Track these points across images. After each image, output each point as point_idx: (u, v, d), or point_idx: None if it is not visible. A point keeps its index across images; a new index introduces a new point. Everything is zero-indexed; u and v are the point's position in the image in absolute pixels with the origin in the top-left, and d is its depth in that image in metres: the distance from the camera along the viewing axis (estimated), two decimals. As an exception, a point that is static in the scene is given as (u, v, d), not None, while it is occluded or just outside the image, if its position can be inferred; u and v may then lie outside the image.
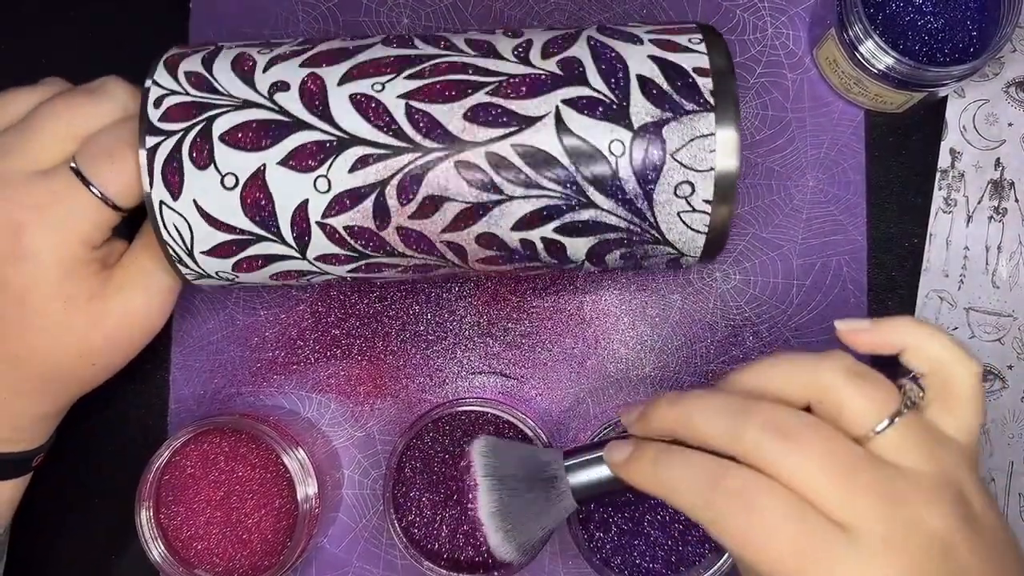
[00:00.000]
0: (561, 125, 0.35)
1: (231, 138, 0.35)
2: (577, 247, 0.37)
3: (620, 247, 0.37)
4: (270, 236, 0.36)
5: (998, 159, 0.47)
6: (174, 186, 0.36)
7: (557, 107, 0.35)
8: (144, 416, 0.48)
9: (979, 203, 0.47)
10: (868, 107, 0.47)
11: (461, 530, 0.43)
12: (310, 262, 0.38)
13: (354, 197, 0.35)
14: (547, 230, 0.36)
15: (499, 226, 0.36)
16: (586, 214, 0.36)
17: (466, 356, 0.48)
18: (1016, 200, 0.47)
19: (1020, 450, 0.46)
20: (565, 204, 0.36)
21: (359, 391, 0.48)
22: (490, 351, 0.48)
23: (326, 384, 0.48)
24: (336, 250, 0.37)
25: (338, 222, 0.36)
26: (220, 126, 0.35)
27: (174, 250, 0.37)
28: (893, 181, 0.48)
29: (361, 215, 0.36)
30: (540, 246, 0.37)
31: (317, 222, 0.36)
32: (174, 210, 0.36)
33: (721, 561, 0.41)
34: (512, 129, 0.35)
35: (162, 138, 0.36)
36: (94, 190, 0.36)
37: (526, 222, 0.36)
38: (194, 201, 0.36)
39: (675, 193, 0.35)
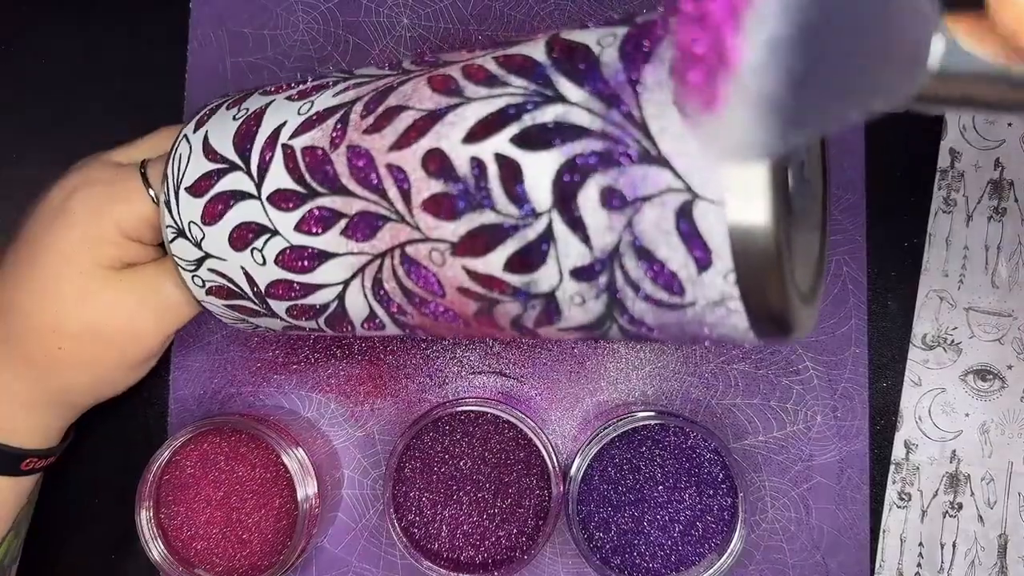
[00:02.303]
0: (554, 37, 0.30)
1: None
2: (538, 173, 0.28)
3: (596, 171, 0.27)
4: (241, 165, 0.34)
5: (998, 159, 0.47)
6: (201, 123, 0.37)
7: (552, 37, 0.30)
8: (144, 416, 0.48)
9: (979, 203, 0.47)
10: (868, 107, 0.47)
11: (461, 530, 0.43)
12: (263, 203, 0.34)
13: (326, 115, 0.33)
14: (502, 140, 0.28)
15: (449, 137, 0.29)
16: (551, 112, 0.28)
17: (466, 356, 0.48)
18: (1016, 200, 0.47)
19: (1020, 450, 0.46)
20: (528, 100, 0.28)
21: (359, 391, 0.48)
22: (490, 351, 0.48)
23: (326, 384, 0.48)
24: (288, 183, 0.33)
25: (299, 142, 0.33)
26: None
27: (169, 187, 0.36)
28: (893, 181, 0.48)
29: (321, 133, 0.33)
30: (492, 171, 0.29)
31: (283, 144, 0.33)
32: (186, 137, 0.37)
33: (721, 561, 0.41)
34: (500, 48, 0.31)
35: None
36: (151, 192, 0.38)
37: (480, 128, 0.29)
38: (205, 134, 0.36)
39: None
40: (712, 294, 0.27)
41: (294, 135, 0.33)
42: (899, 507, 0.46)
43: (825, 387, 0.47)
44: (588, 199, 0.27)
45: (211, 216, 0.35)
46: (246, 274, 0.35)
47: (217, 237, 0.35)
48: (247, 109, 0.36)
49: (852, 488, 0.46)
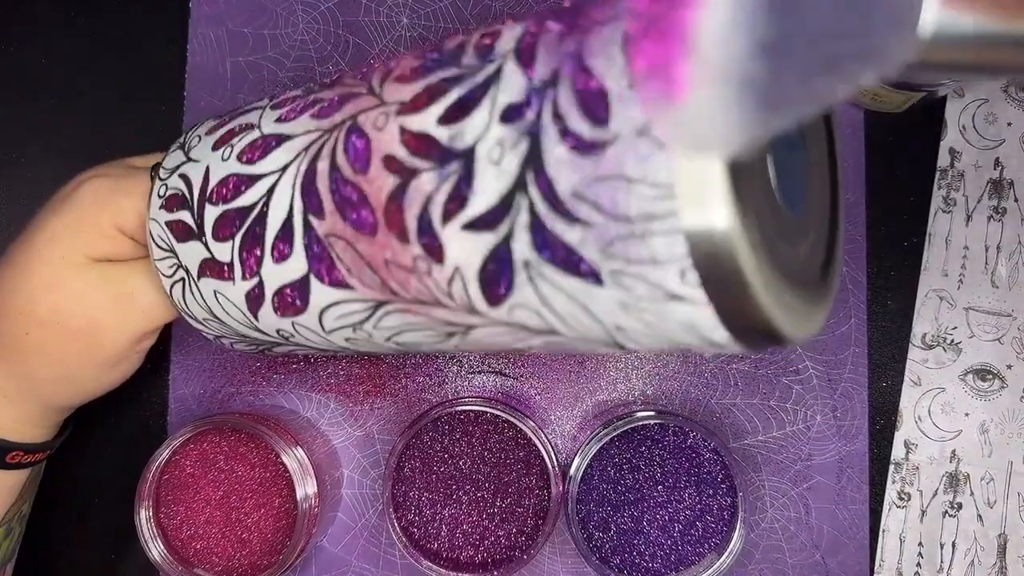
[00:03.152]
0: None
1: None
2: (510, 34, 0.28)
3: (561, 20, 0.27)
4: (262, 105, 0.35)
5: (997, 158, 0.47)
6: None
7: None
8: (144, 415, 0.49)
9: (978, 202, 0.47)
10: (868, 107, 0.47)
11: (460, 529, 0.43)
12: (264, 110, 0.35)
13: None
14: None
15: (456, 37, 0.30)
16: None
17: (465, 355, 0.48)
18: (1015, 199, 0.47)
19: (1019, 450, 0.46)
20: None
21: (358, 390, 0.48)
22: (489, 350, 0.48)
23: (325, 383, 0.48)
24: (296, 92, 0.34)
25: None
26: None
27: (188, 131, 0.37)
28: (893, 181, 0.48)
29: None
30: (472, 42, 0.29)
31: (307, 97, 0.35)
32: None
33: (721, 560, 0.41)
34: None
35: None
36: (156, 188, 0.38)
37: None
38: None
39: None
40: (638, 117, 0.23)
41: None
42: (899, 507, 0.46)
43: (825, 387, 0.47)
44: (548, 31, 0.26)
45: (215, 128, 0.36)
46: (205, 175, 0.35)
47: (207, 142, 0.36)
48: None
49: (852, 488, 0.46)
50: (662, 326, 0.26)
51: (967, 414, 0.47)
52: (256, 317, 0.35)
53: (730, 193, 0.21)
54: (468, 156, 0.27)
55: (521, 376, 0.48)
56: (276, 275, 0.33)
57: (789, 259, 0.26)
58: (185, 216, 0.35)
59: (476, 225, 0.27)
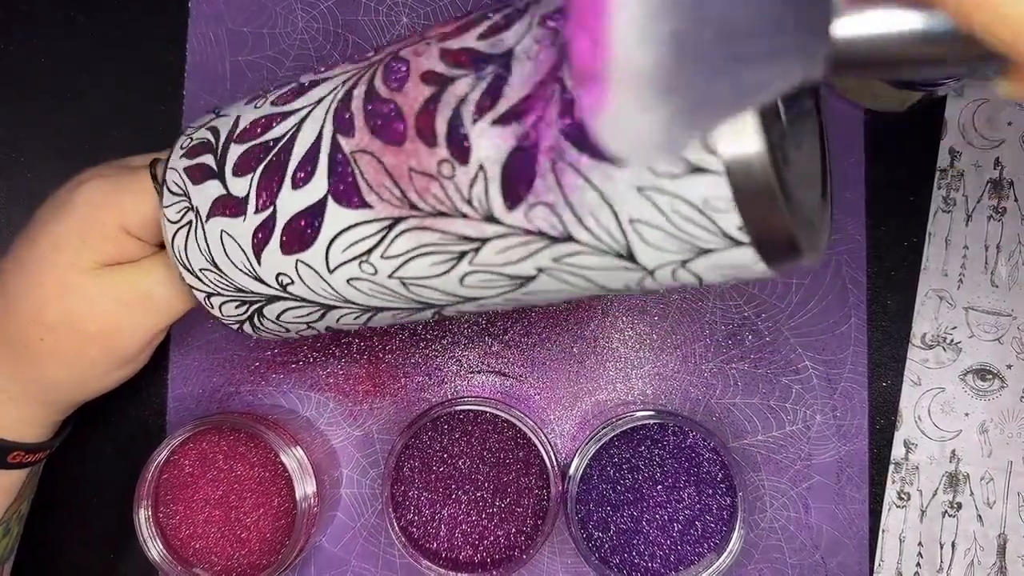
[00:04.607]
0: None
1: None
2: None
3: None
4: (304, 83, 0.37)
5: (997, 158, 0.47)
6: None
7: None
8: (143, 415, 0.49)
9: (978, 202, 0.47)
10: (868, 106, 0.47)
11: (459, 529, 0.43)
12: (304, 81, 0.36)
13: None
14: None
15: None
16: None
17: (464, 355, 0.48)
18: (1015, 199, 0.47)
19: (1019, 450, 0.46)
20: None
21: (358, 390, 0.48)
22: (489, 350, 0.48)
23: (325, 383, 0.48)
24: (346, 60, 0.36)
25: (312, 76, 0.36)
26: None
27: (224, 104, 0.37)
28: (893, 181, 0.48)
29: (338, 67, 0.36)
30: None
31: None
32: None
33: (720, 560, 0.41)
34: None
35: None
36: (157, 187, 0.38)
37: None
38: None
39: None
40: None
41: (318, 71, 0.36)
42: (898, 507, 0.46)
43: (825, 386, 0.47)
44: None
45: (255, 96, 0.37)
46: (235, 121, 0.36)
47: (240, 102, 0.37)
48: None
49: (851, 487, 0.46)
50: (676, 212, 0.27)
51: (967, 414, 0.47)
52: (259, 259, 0.35)
53: (761, 124, 0.24)
54: (506, 55, 0.29)
55: (521, 376, 0.48)
56: (292, 202, 0.33)
57: (798, 194, 0.27)
58: (207, 159, 0.35)
59: (507, 117, 0.29)
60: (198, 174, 0.36)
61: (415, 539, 0.43)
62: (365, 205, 0.32)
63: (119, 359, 0.39)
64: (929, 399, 0.47)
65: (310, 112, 0.33)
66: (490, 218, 0.30)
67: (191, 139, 0.37)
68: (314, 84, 0.34)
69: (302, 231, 0.33)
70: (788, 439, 0.47)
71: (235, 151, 0.35)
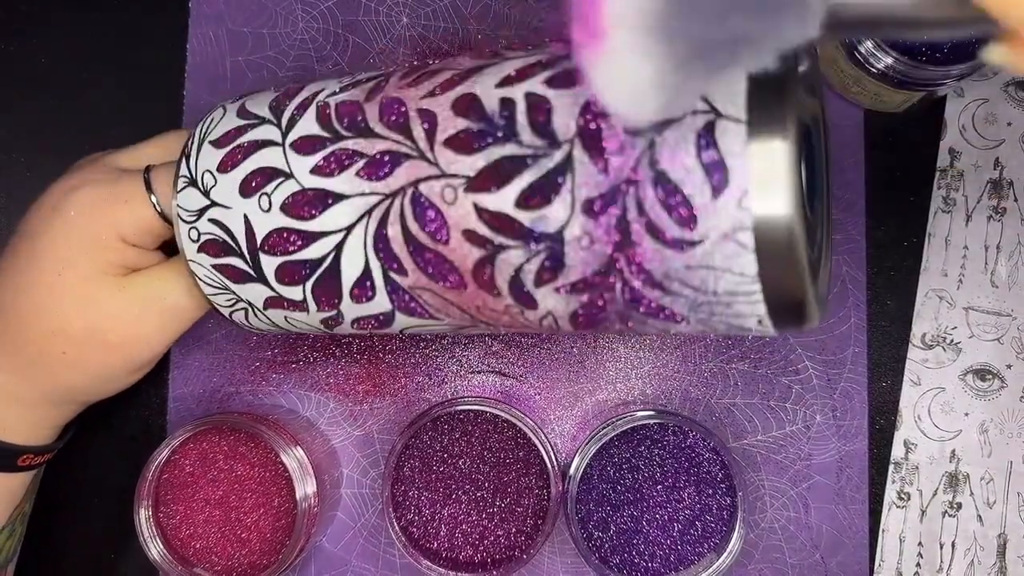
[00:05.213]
0: None
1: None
2: (566, 105, 0.29)
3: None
4: (272, 119, 0.35)
5: (997, 158, 0.47)
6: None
7: None
8: (143, 415, 0.49)
9: (978, 202, 0.47)
10: (867, 106, 0.47)
11: (460, 529, 0.43)
12: (285, 149, 0.34)
13: (365, 81, 0.34)
14: (535, 82, 0.30)
15: (483, 83, 0.31)
16: None
17: (465, 355, 0.48)
18: (1015, 199, 0.47)
19: (1019, 449, 0.46)
20: (565, 56, 0.30)
21: (358, 390, 0.48)
22: (489, 350, 0.48)
23: (325, 383, 0.48)
24: (315, 130, 0.33)
25: (335, 99, 0.34)
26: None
27: (194, 140, 0.36)
28: (892, 181, 0.48)
29: (360, 91, 0.34)
30: (521, 108, 0.29)
31: (318, 102, 0.34)
32: (223, 106, 0.37)
33: (720, 560, 0.41)
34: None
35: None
36: (152, 198, 0.38)
37: (516, 74, 0.30)
38: (243, 102, 0.36)
39: None
40: (724, 224, 0.27)
41: (331, 96, 0.34)
42: (898, 507, 0.46)
43: (825, 386, 0.47)
44: (611, 126, 0.28)
45: (229, 164, 0.35)
46: (247, 224, 0.34)
47: (228, 184, 0.34)
48: (289, 86, 0.36)
49: (851, 487, 0.46)
50: (725, 328, 0.30)
51: (967, 414, 0.47)
52: (331, 330, 0.36)
53: (795, 187, 0.26)
54: (555, 239, 0.29)
55: (521, 376, 0.48)
56: (357, 310, 0.34)
57: (813, 262, 0.30)
58: (235, 262, 0.35)
59: (570, 290, 0.30)
60: (234, 275, 0.35)
61: (415, 539, 0.43)
62: (435, 318, 0.33)
63: (139, 364, 0.40)
64: (929, 399, 0.47)
65: (343, 241, 0.33)
66: (559, 330, 0.32)
67: (198, 231, 0.35)
68: (331, 199, 0.33)
69: (375, 325, 0.35)
70: (788, 439, 0.47)
71: (270, 262, 0.34)
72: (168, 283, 0.38)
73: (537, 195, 0.29)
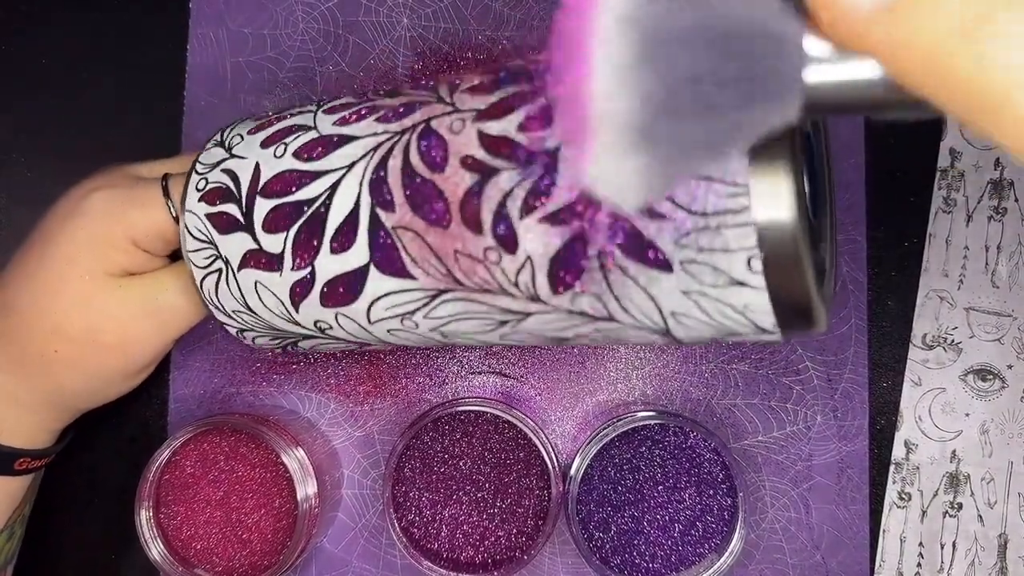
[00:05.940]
0: None
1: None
2: None
3: None
4: (312, 105, 0.36)
5: (998, 159, 0.47)
6: None
7: None
8: (144, 416, 0.48)
9: (979, 203, 0.47)
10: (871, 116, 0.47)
11: (460, 530, 0.43)
12: (316, 114, 0.35)
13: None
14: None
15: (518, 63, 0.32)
16: None
17: (465, 355, 0.48)
18: (1016, 200, 0.47)
19: (1020, 450, 0.46)
20: None
21: (359, 391, 0.48)
22: (490, 350, 0.48)
23: (326, 384, 0.48)
24: (349, 99, 0.35)
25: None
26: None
27: (234, 123, 0.37)
28: (892, 181, 0.48)
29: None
30: (541, 67, 0.31)
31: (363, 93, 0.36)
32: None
33: (721, 560, 0.41)
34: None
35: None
36: (170, 204, 0.38)
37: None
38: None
39: None
40: None
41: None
42: (899, 507, 0.46)
43: (825, 387, 0.47)
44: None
45: (260, 128, 0.36)
46: (256, 170, 0.35)
47: (253, 141, 0.36)
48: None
49: (852, 488, 0.46)
50: (718, 311, 0.29)
51: (967, 414, 0.47)
52: (296, 309, 0.35)
53: (797, 192, 0.25)
54: (551, 155, 0.29)
55: (521, 376, 0.48)
56: (331, 266, 0.33)
57: (817, 258, 0.29)
58: (231, 209, 0.35)
59: (555, 217, 0.29)
60: (224, 224, 0.35)
61: (416, 540, 0.43)
62: (409, 276, 0.32)
63: (134, 369, 0.40)
64: (930, 399, 0.47)
65: (343, 177, 0.33)
66: (535, 299, 0.31)
67: (206, 181, 0.36)
68: (342, 141, 0.33)
69: (343, 291, 0.34)
70: (789, 440, 0.47)
71: (263, 206, 0.34)
72: (164, 284, 0.39)
73: (541, 118, 0.29)
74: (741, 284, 0.27)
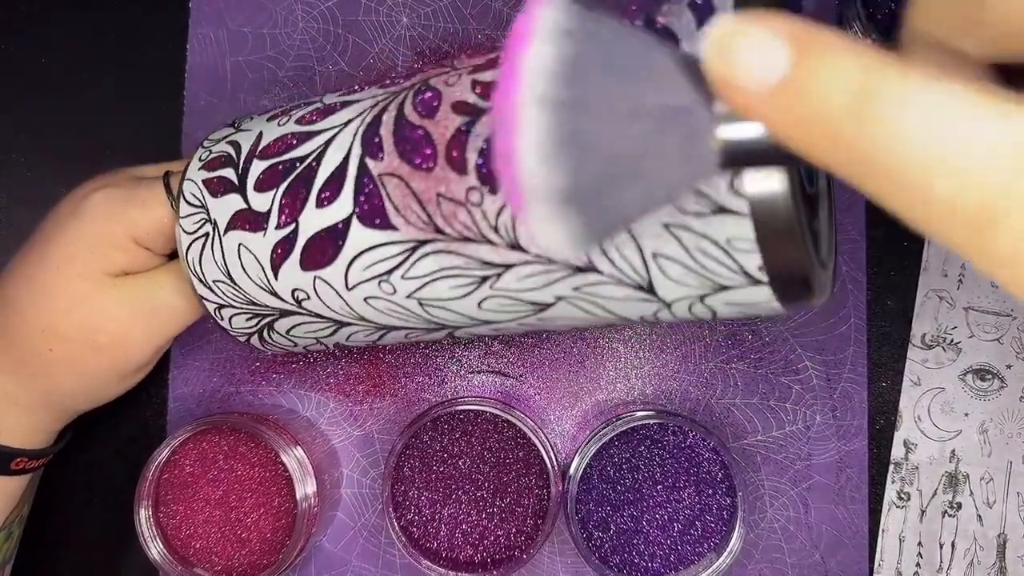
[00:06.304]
0: None
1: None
2: None
3: None
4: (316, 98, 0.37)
5: (997, 158, 0.47)
6: None
7: None
8: (143, 415, 0.49)
9: (978, 202, 0.47)
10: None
11: (460, 529, 0.43)
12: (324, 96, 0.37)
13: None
14: None
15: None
16: None
17: (465, 355, 0.48)
18: (1015, 199, 0.47)
19: (1019, 450, 0.46)
20: None
21: (358, 390, 0.48)
22: (489, 350, 0.48)
23: (325, 383, 0.48)
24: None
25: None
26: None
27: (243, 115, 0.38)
28: (892, 180, 0.48)
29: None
30: None
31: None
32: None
33: (720, 560, 0.41)
34: None
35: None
36: (171, 198, 0.38)
37: None
38: None
39: None
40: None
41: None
42: (898, 506, 0.46)
43: (824, 387, 0.47)
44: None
45: (271, 111, 0.37)
46: (257, 138, 0.36)
47: (261, 117, 0.37)
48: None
49: (851, 487, 0.46)
50: (700, 247, 0.28)
51: (967, 414, 0.47)
52: (276, 274, 0.35)
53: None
54: None
55: (521, 376, 0.48)
56: (315, 220, 0.34)
57: (813, 224, 0.29)
58: (227, 172, 0.36)
59: None
60: (218, 187, 0.36)
61: (415, 539, 0.43)
62: (390, 227, 0.32)
63: (129, 369, 0.40)
64: (929, 399, 0.47)
65: (337, 133, 0.34)
66: (515, 246, 0.30)
67: (210, 152, 0.37)
68: (343, 105, 0.34)
69: (324, 249, 0.34)
70: (788, 439, 0.47)
71: (258, 166, 0.35)
72: (161, 285, 0.39)
73: None
74: (724, 211, 0.27)
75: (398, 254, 0.33)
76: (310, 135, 0.34)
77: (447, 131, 0.31)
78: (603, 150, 0.18)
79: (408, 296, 0.33)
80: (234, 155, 0.36)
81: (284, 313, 0.36)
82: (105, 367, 0.39)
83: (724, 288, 0.29)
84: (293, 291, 0.35)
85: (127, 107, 0.50)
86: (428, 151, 0.31)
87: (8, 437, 0.39)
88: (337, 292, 0.34)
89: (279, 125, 0.36)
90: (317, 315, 0.36)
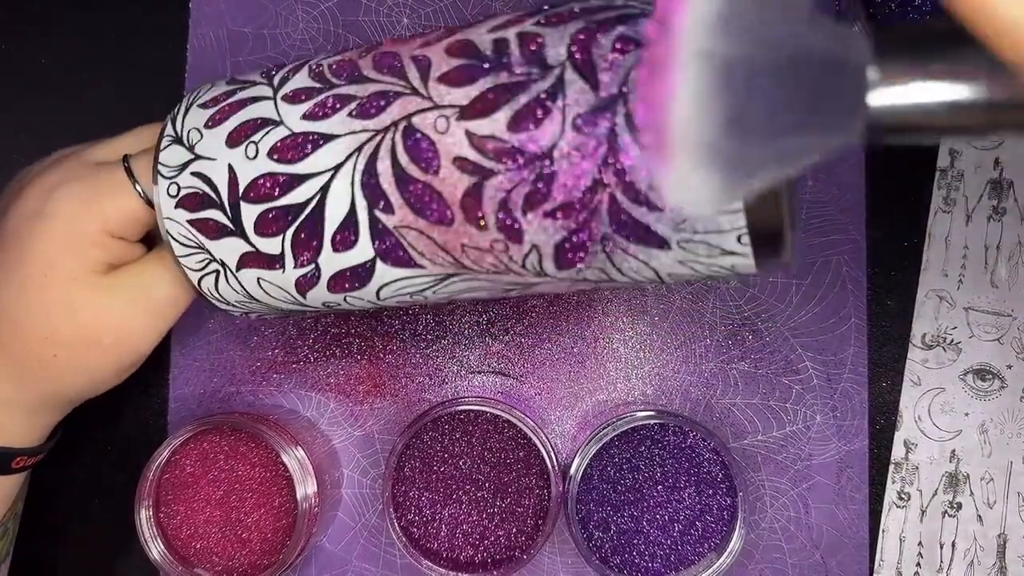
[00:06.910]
0: None
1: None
2: (558, 38, 0.30)
3: (613, 26, 0.30)
4: (263, 81, 0.35)
5: (997, 158, 0.47)
6: None
7: None
8: (143, 415, 0.49)
9: (978, 202, 0.47)
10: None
11: (460, 529, 0.43)
12: (276, 101, 0.34)
13: (357, 47, 0.35)
14: (526, 24, 0.31)
15: (477, 31, 0.32)
16: (575, 3, 0.32)
17: (465, 355, 0.48)
18: (1015, 200, 0.47)
19: (1019, 450, 0.46)
20: (556, 3, 0.32)
21: (358, 390, 0.48)
22: (489, 350, 0.48)
23: (325, 383, 0.48)
24: (307, 83, 0.34)
25: (329, 60, 0.34)
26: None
27: (182, 105, 0.36)
28: (893, 181, 0.48)
29: (353, 53, 0.34)
30: (513, 43, 0.31)
31: (310, 64, 0.34)
32: (211, 81, 0.37)
33: (720, 560, 0.41)
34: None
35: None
36: (137, 186, 0.37)
37: (507, 22, 0.32)
38: (232, 75, 0.37)
39: None
40: None
41: (323, 59, 0.35)
42: (898, 507, 0.47)
43: (825, 387, 0.47)
44: (601, 47, 0.30)
45: (217, 120, 0.35)
46: (231, 173, 0.34)
47: (215, 138, 0.34)
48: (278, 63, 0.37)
49: (851, 488, 0.47)
50: (709, 271, 0.32)
51: (967, 414, 0.47)
52: (304, 296, 0.35)
53: (784, 199, 0.28)
54: (545, 157, 0.30)
55: (521, 376, 0.48)
56: (335, 262, 0.34)
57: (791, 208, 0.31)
58: (214, 215, 0.34)
59: (557, 212, 0.30)
60: (212, 230, 0.35)
61: (416, 539, 0.43)
62: (416, 266, 0.33)
63: (132, 361, 0.40)
64: (929, 399, 0.47)
65: (329, 181, 0.32)
66: (542, 275, 0.32)
67: (178, 186, 0.35)
68: (320, 140, 0.33)
69: (352, 281, 0.34)
70: (788, 439, 0.47)
71: (249, 211, 0.34)
72: (154, 275, 0.38)
73: (529, 117, 0.30)
74: (732, 254, 0.30)
75: (428, 283, 0.34)
76: (298, 179, 0.33)
77: (456, 190, 0.31)
78: (755, 103, 0.19)
79: (437, 299, 0.35)
80: (212, 194, 0.34)
81: (313, 312, 0.38)
82: (111, 363, 0.39)
83: (716, 277, 0.32)
84: (324, 303, 0.36)
85: (127, 107, 0.50)
86: (443, 208, 0.31)
87: (9, 437, 0.39)
88: (368, 302, 0.35)
89: (249, 158, 0.34)
90: (346, 310, 0.37)
